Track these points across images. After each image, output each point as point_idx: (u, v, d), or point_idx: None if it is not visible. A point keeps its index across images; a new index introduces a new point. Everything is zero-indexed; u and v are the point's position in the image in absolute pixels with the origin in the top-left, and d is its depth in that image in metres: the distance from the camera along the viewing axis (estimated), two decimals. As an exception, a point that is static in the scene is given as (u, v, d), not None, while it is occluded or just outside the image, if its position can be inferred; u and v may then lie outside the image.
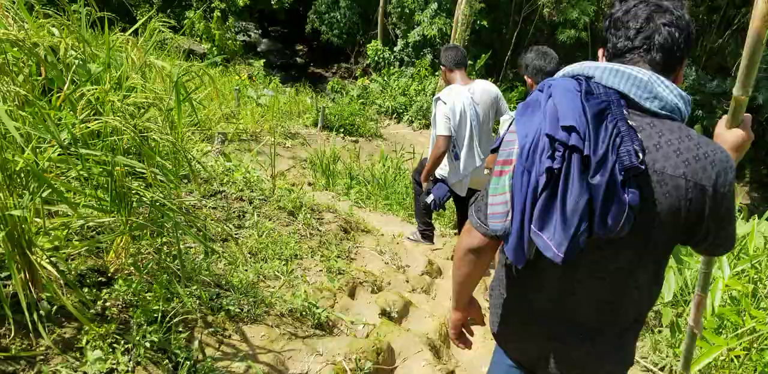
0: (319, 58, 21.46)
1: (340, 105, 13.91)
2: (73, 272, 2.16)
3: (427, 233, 4.99)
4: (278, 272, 3.16)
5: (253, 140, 9.13)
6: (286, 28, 22.24)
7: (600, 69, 1.40)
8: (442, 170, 4.31)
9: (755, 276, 3.63)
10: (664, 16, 1.41)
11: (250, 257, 3.24)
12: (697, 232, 1.40)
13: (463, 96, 4.01)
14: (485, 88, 4.12)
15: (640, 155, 1.28)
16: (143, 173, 2.54)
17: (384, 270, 4.01)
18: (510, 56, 17.49)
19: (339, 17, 18.88)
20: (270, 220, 3.81)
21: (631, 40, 1.43)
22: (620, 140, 1.28)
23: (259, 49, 21.06)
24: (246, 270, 3.00)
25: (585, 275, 1.48)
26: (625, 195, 1.27)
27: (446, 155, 4.14)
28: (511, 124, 1.47)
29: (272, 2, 18.23)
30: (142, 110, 3.12)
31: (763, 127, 17.71)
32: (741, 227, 4.61)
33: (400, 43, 17.67)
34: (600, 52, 1.57)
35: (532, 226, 1.33)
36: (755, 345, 3.00)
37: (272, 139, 8.40)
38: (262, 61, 17.93)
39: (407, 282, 3.95)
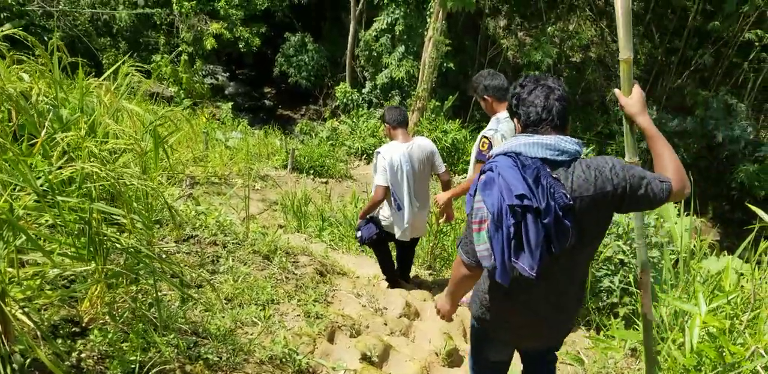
0: (287, 100, 21.58)
1: (309, 147, 13.95)
2: (46, 323, 2.09)
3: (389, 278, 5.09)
4: (256, 318, 3.10)
5: (223, 183, 9.07)
6: (254, 71, 22.39)
7: (523, 145, 2.05)
8: (386, 221, 4.68)
9: (731, 312, 3.67)
10: (554, 93, 2.12)
11: (227, 303, 3.17)
12: (623, 206, 2.09)
13: (401, 152, 4.41)
14: (422, 145, 4.54)
15: (568, 195, 1.96)
16: (117, 220, 2.50)
17: (362, 313, 3.95)
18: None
19: (307, 60, 19.08)
20: (245, 264, 3.75)
21: (539, 114, 2.10)
22: (553, 190, 1.93)
23: (227, 92, 21.12)
24: (223, 317, 2.94)
25: (557, 274, 2.20)
26: (566, 221, 1.94)
27: (389, 206, 4.58)
28: (474, 194, 2.08)
29: (240, 46, 18.36)
30: (116, 155, 3.09)
31: (723, 164, 18.21)
32: (713, 264, 4.69)
33: (368, 85, 17.89)
34: (516, 121, 2.21)
35: (509, 259, 1.95)
36: (735, 382, 3.01)
37: (243, 181, 8.35)
38: (230, 103, 17.99)
39: (386, 324, 3.90)
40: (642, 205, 2.13)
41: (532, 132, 2.11)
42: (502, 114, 3.89)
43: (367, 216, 4.80)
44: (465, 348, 4.08)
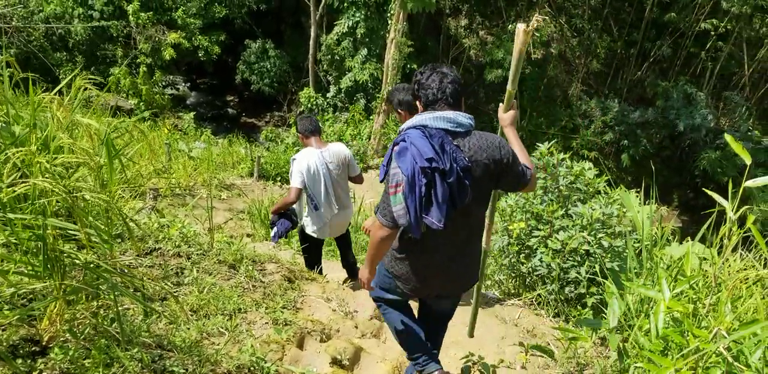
0: (250, 107, 21.44)
1: (275, 153, 13.88)
2: (4, 344, 2.05)
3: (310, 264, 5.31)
4: (222, 328, 3.07)
5: (187, 194, 8.97)
6: (216, 80, 22.18)
7: (428, 119, 2.52)
8: (305, 220, 4.98)
9: (694, 297, 3.74)
10: (447, 78, 2.59)
11: (192, 315, 3.14)
12: (504, 178, 2.62)
13: (316, 158, 4.70)
14: (337, 151, 4.84)
15: (467, 158, 2.44)
16: (75, 235, 2.46)
17: (332, 318, 3.95)
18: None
19: (269, 66, 18.97)
20: (210, 275, 3.72)
21: (435, 95, 2.58)
22: (455, 155, 2.41)
23: (188, 102, 20.90)
24: (188, 329, 2.91)
25: (456, 229, 2.62)
26: (466, 181, 2.41)
27: (307, 206, 4.88)
28: (389, 163, 2.51)
29: (199, 55, 18.18)
30: (72, 170, 3.04)
31: (685, 152, 18.58)
32: (676, 250, 4.78)
33: (332, 89, 17.89)
34: (418, 102, 2.68)
35: (420, 215, 2.37)
36: (701, 364, 3.07)
37: (207, 192, 8.28)
38: (192, 113, 17.81)
39: (356, 327, 3.90)
40: (512, 180, 2.66)
41: (431, 110, 2.58)
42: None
43: (281, 212, 4.98)
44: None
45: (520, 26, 2.64)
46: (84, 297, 2.45)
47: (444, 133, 2.47)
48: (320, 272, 5.23)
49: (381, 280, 2.96)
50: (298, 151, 15.13)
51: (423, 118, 2.53)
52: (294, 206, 4.90)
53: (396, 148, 2.47)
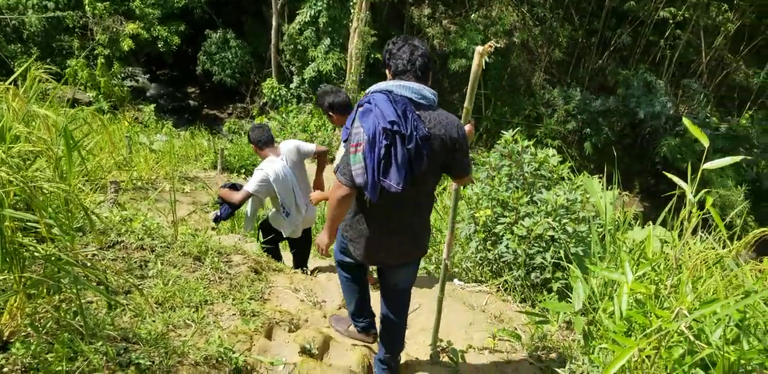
0: (212, 99, 21.13)
1: (239, 145, 13.73)
2: (-39, 340, 2.00)
3: (273, 251, 5.36)
4: (189, 320, 3.03)
5: (150, 188, 8.83)
6: (176, 71, 21.79)
7: (394, 86, 2.60)
8: (275, 224, 5.05)
9: (656, 278, 3.82)
10: (418, 50, 2.68)
11: (157, 307, 3.10)
12: (453, 158, 2.69)
13: (280, 166, 4.72)
14: (289, 149, 4.86)
15: (427, 129, 2.53)
16: (35, 228, 2.40)
17: (300, 308, 3.93)
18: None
19: (230, 57, 18.69)
20: (175, 267, 3.67)
21: (405, 66, 2.66)
22: (416, 124, 2.49)
23: (148, 94, 20.49)
24: (154, 321, 2.86)
25: (410, 199, 2.72)
26: (424, 150, 2.51)
27: (277, 213, 4.95)
28: (353, 122, 2.59)
29: (159, 45, 17.83)
30: (29, 162, 2.96)
31: (646, 140, 18.90)
32: (638, 234, 4.87)
33: (295, 79, 17.72)
34: (387, 71, 2.76)
35: (381, 176, 2.46)
36: (663, 343, 3.13)
37: (170, 185, 8.15)
38: (153, 105, 17.50)
39: (325, 317, 3.89)
40: (458, 164, 2.74)
41: (399, 80, 2.65)
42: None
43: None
44: (405, 333, 4.11)
45: (478, 49, 2.77)
46: (45, 290, 2.39)
47: (408, 101, 2.56)
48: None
49: (339, 244, 3.12)
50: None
51: (390, 84, 2.61)
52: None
53: (360, 109, 2.57)
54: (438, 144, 2.59)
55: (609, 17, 19.63)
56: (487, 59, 2.81)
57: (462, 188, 3.95)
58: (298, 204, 4.89)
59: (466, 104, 2.98)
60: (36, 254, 2.17)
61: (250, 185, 4.68)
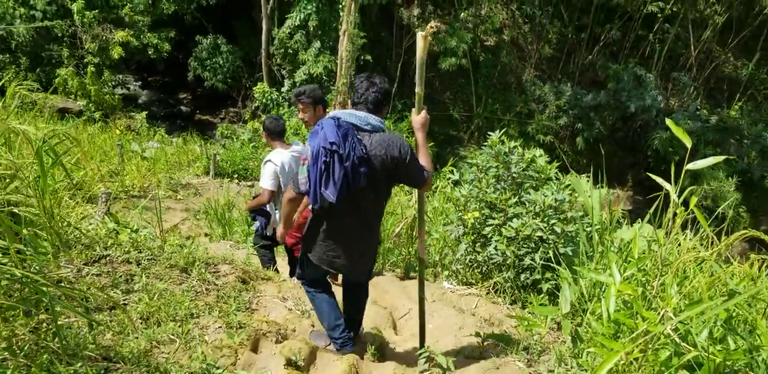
0: (204, 105, 21.08)
1: (231, 150, 13.72)
2: (-65, 367, 1.98)
3: (265, 259, 5.49)
4: (173, 335, 3.02)
5: (142, 196, 8.81)
6: (167, 78, 21.71)
7: (343, 114, 3.07)
8: (276, 223, 5.16)
9: (643, 279, 3.81)
10: (373, 87, 3.15)
11: (141, 323, 3.08)
12: (400, 174, 3.11)
13: (288, 157, 4.90)
14: (299, 150, 4.99)
15: (365, 150, 2.94)
16: (16, 248, 2.38)
17: (288, 317, 3.92)
18: (397, 88, 17.90)
19: (221, 62, 18.64)
20: (161, 280, 3.66)
21: (359, 98, 3.16)
22: (355, 145, 2.89)
23: (140, 101, 20.40)
24: (137, 338, 2.85)
25: (352, 211, 3.13)
26: (361, 169, 2.91)
27: (276, 207, 5.08)
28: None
29: (149, 52, 17.77)
30: (7, 180, 2.95)
31: (638, 133, 18.92)
32: (626, 233, 4.86)
33: (287, 83, 17.68)
34: (349, 101, 3.22)
35: (321, 188, 2.90)
36: (650, 346, 3.13)
37: (162, 192, 8.14)
38: (145, 113, 17.43)
39: (313, 326, 3.88)
40: (407, 178, 3.17)
41: (353, 108, 3.15)
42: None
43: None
44: (395, 340, 4.10)
45: (420, 33, 3.00)
46: (22, 312, 2.38)
47: (352, 127, 2.99)
48: (276, 270, 5.23)
49: (301, 262, 3.49)
50: (254, 147, 14.94)
51: (341, 112, 3.09)
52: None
53: (312, 130, 3.07)
54: (378, 162, 3.01)
55: (598, 13, 19.64)
56: (435, 35, 3.02)
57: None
58: None
59: (417, 89, 3.17)
60: (12, 277, 2.16)
61: (266, 182, 4.89)
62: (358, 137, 2.97)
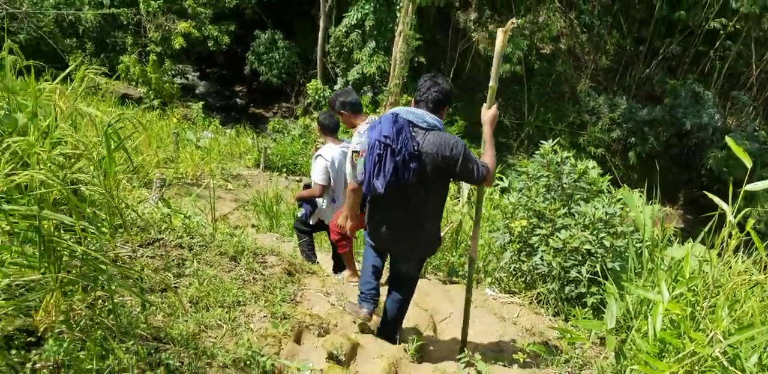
0: (259, 98, 21.42)
1: (282, 145, 13.89)
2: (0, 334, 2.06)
3: (304, 244, 5.61)
4: (220, 320, 3.08)
5: (194, 184, 8.99)
6: (225, 70, 22.15)
7: (402, 110, 3.24)
8: (322, 213, 5.35)
9: (693, 299, 3.72)
10: (435, 87, 3.28)
11: (191, 307, 3.15)
12: (452, 172, 3.21)
13: (338, 153, 5.02)
14: (349, 146, 5.01)
15: (416, 147, 3.10)
16: (74, 226, 2.46)
17: (331, 312, 3.95)
18: (448, 91, 17.83)
19: (278, 57, 18.93)
20: (211, 267, 3.73)
21: (420, 97, 3.31)
22: (408, 141, 3.06)
23: (197, 92, 20.87)
24: (186, 321, 2.91)
25: (399, 202, 3.29)
26: (411, 164, 3.06)
27: (324, 199, 5.22)
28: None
29: (209, 44, 18.15)
30: (73, 160, 3.04)
31: (692, 151, 18.48)
32: (677, 251, 4.75)
33: (339, 81, 17.84)
34: (413, 100, 3.39)
35: (373, 178, 3.09)
36: (697, 368, 3.06)
37: (213, 182, 8.29)
38: (201, 103, 17.79)
39: (354, 322, 3.90)
40: (461, 175, 3.22)
41: (415, 106, 3.33)
42: (362, 127, 4.56)
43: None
44: (435, 342, 4.10)
45: (500, 29, 3.19)
46: (80, 288, 2.46)
47: (408, 123, 3.16)
48: (313, 258, 5.48)
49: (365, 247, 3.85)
50: (304, 143, 15.10)
51: (401, 109, 3.27)
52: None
53: (372, 123, 3.26)
54: (429, 160, 3.16)
55: (658, 26, 19.27)
56: (512, 32, 3.29)
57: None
58: (342, 194, 5.07)
59: (491, 83, 3.32)
60: (74, 253, 2.23)
61: (317, 176, 5.02)
62: (413, 133, 3.15)
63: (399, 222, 3.38)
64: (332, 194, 5.17)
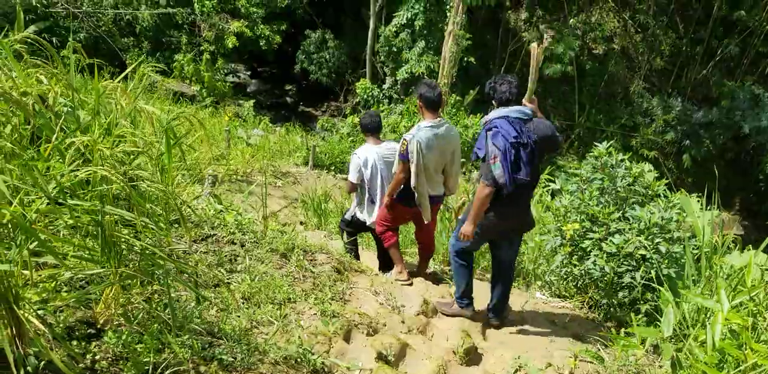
0: (308, 97, 21.60)
1: (330, 143, 13.96)
2: (61, 325, 2.11)
3: (350, 249, 5.60)
4: (271, 317, 3.11)
5: (244, 181, 9.11)
6: (275, 69, 22.40)
7: (509, 111, 3.84)
8: (360, 214, 5.39)
9: (754, 309, 3.60)
10: (512, 85, 3.89)
11: (243, 303, 3.19)
12: (555, 144, 4.04)
13: (374, 153, 5.10)
14: (391, 147, 5.19)
15: (535, 137, 3.81)
16: (133, 221, 2.51)
17: (379, 311, 3.95)
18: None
19: (327, 57, 19.06)
20: (262, 263, 3.77)
21: (508, 97, 3.88)
22: (528, 134, 3.79)
23: (248, 90, 21.16)
24: (239, 317, 2.95)
25: (530, 185, 3.93)
26: (535, 150, 3.79)
27: (363, 200, 5.30)
28: (485, 142, 3.82)
29: (261, 43, 18.37)
30: (132, 156, 3.11)
31: (751, 155, 17.89)
32: (737, 259, 4.60)
33: (388, 80, 17.83)
34: (493, 101, 3.97)
35: (515, 174, 3.69)
36: (757, 381, 2.95)
37: (263, 179, 8.39)
38: (252, 101, 18.02)
39: (403, 322, 3.89)
40: (554, 148, 4.17)
41: (508, 106, 3.88)
42: (425, 123, 4.58)
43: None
44: (483, 345, 4.06)
45: (534, 45, 3.90)
46: (138, 282, 2.51)
47: (518, 120, 3.81)
48: (357, 256, 5.52)
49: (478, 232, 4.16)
50: (353, 141, 15.19)
51: (506, 110, 3.85)
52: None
53: (489, 133, 3.78)
54: (541, 142, 3.84)
55: (716, 26, 18.68)
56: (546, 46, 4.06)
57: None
58: (383, 193, 5.10)
59: (530, 85, 4.05)
60: (133, 247, 2.27)
61: (351, 174, 5.19)
62: (526, 125, 3.82)
63: (526, 199, 4.11)
64: (371, 196, 5.24)
